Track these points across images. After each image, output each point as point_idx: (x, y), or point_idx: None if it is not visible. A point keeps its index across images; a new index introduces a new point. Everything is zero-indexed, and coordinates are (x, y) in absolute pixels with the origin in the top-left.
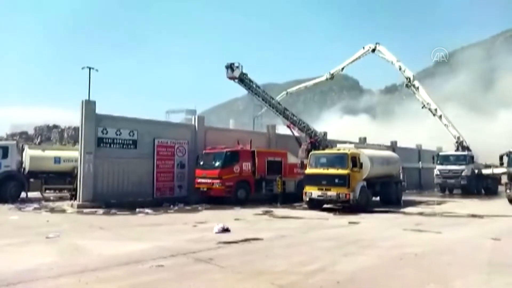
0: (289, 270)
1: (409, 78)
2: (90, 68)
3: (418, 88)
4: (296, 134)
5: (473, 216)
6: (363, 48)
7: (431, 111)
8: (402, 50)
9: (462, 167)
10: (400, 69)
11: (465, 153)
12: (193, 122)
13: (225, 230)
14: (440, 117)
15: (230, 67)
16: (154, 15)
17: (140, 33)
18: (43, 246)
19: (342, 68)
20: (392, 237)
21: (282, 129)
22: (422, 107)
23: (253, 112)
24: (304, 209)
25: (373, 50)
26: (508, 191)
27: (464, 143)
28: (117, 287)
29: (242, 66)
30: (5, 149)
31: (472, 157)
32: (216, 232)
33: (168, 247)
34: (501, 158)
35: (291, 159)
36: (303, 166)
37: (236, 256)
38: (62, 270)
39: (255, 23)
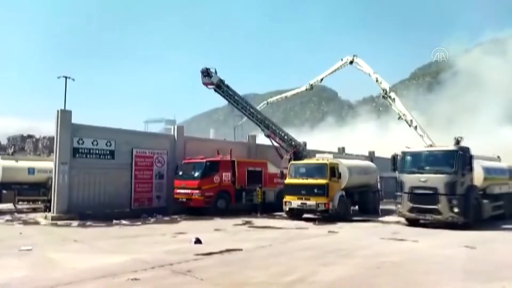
0: (268, 281)
1: (385, 90)
2: (66, 78)
3: (394, 99)
4: (276, 144)
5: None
6: (341, 60)
7: (406, 122)
8: (380, 62)
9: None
10: (377, 81)
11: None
12: (172, 132)
13: (199, 241)
14: (416, 128)
15: (206, 72)
16: (132, 25)
17: (118, 43)
18: (15, 259)
19: (321, 79)
20: (370, 246)
21: (263, 139)
22: (398, 118)
23: (233, 122)
24: (284, 218)
25: (351, 62)
26: (399, 206)
27: None
28: None
29: (216, 72)
30: None
31: None
32: (195, 243)
33: (146, 259)
34: (393, 160)
35: (271, 169)
36: (283, 176)
37: (215, 267)
38: (34, 284)
39: (234, 33)
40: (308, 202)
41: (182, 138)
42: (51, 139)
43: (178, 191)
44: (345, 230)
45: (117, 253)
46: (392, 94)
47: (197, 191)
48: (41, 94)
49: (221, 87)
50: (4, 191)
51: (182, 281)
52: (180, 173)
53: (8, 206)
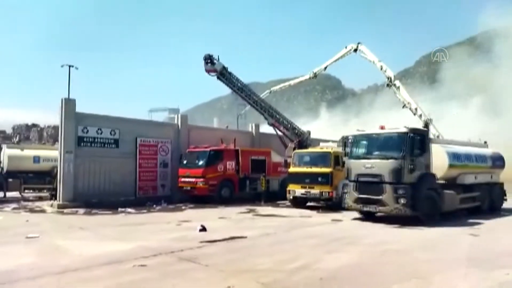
0: (272, 268)
1: (390, 78)
2: (70, 66)
3: (399, 87)
4: (280, 133)
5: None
6: (345, 47)
7: (411, 111)
8: (384, 49)
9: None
10: (381, 69)
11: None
12: (176, 121)
13: (204, 229)
14: (420, 116)
15: (209, 58)
16: (135, 14)
17: (120, 33)
18: (23, 246)
19: (325, 67)
20: (374, 234)
21: (266, 128)
22: (403, 107)
23: (237, 111)
24: (288, 207)
25: (355, 50)
26: (345, 196)
27: None
28: (99, 287)
29: (219, 58)
30: None
31: None
32: (200, 230)
33: (151, 247)
34: (344, 142)
35: (275, 158)
36: (287, 164)
37: (220, 254)
38: (42, 271)
39: (237, 21)
40: (312, 191)
41: (186, 127)
42: (56, 128)
43: (182, 179)
44: (348, 218)
45: (123, 241)
46: (397, 82)
47: (201, 180)
48: (46, 85)
49: (224, 75)
50: (10, 180)
51: (187, 268)
52: (185, 162)
53: (14, 194)
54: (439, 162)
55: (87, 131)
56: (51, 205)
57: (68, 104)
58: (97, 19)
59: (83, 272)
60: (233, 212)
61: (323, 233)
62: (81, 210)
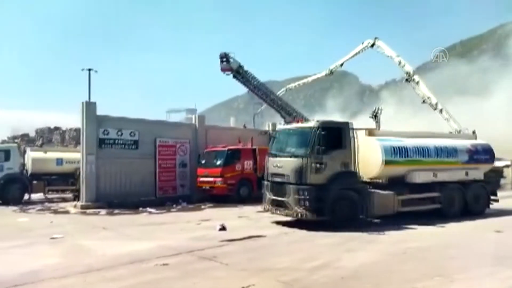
0: (292, 267)
1: (409, 73)
2: (89, 70)
3: (418, 82)
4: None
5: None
6: (362, 43)
7: (432, 106)
8: (402, 44)
9: None
10: (399, 64)
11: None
12: (193, 121)
13: (223, 228)
14: (441, 111)
15: (225, 57)
16: (152, 14)
17: (137, 33)
18: (48, 247)
19: (341, 64)
20: (395, 231)
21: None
22: (422, 102)
23: (253, 110)
24: None
25: (372, 45)
26: (268, 194)
27: None
28: (123, 286)
29: (235, 57)
30: (7, 152)
31: None
32: (220, 230)
33: (172, 246)
34: (269, 141)
35: None
36: None
37: (239, 253)
38: (67, 270)
39: (252, 19)
40: None
41: (203, 127)
42: (77, 130)
43: (201, 179)
44: None
45: (145, 240)
46: (416, 77)
47: (219, 179)
48: (66, 87)
49: (240, 73)
50: (35, 182)
51: (208, 267)
52: (203, 161)
53: (39, 196)
54: (374, 158)
55: (108, 133)
56: (75, 206)
57: (89, 107)
58: (115, 18)
59: (107, 271)
60: (251, 211)
61: (342, 232)
62: (103, 211)
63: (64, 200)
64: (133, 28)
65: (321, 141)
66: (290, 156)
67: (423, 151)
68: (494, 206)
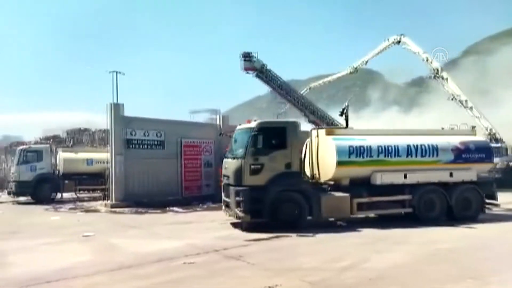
0: (319, 267)
1: (437, 70)
2: (116, 72)
3: (446, 79)
4: None
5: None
6: (387, 40)
7: (461, 103)
8: (428, 40)
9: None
10: (426, 60)
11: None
12: (217, 122)
13: (248, 228)
14: (471, 108)
15: (248, 56)
16: (173, 15)
17: (158, 34)
18: (79, 245)
19: (366, 62)
20: (423, 232)
21: (305, 126)
22: (450, 99)
23: (276, 110)
24: None
25: (398, 42)
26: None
27: (497, 135)
28: (152, 283)
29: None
30: (39, 153)
31: (506, 149)
32: (244, 229)
33: (199, 245)
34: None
35: None
36: None
37: (265, 253)
38: (97, 268)
39: (274, 18)
40: None
41: (227, 127)
42: (106, 131)
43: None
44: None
45: (172, 239)
46: (444, 74)
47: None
48: (94, 88)
49: (263, 72)
50: (66, 182)
51: (233, 266)
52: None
53: (70, 195)
54: (329, 159)
55: (135, 133)
56: (104, 205)
57: (116, 108)
58: (139, 20)
59: (136, 269)
60: None
61: (370, 232)
62: (132, 210)
63: (94, 199)
64: (156, 29)
65: (259, 142)
66: (233, 158)
67: (389, 151)
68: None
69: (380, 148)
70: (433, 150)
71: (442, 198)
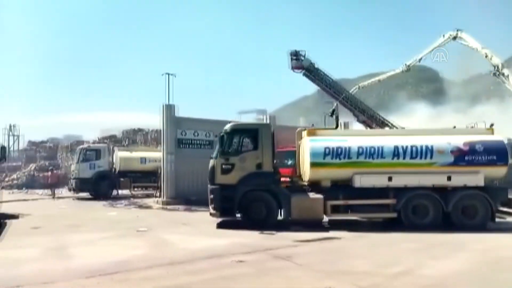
0: (371, 271)
1: (497, 66)
2: (168, 74)
3: (508, 76)
4: None
5: None
6: (443, 36)
7: None
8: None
9: None
10: (486, 56)
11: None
12: (265, 122)
13: (297, 228)
14: None
15: (296, 55)
16: (220, 15)
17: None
18: (135, 239)
19: (420, 59)
20: (484, 239)
21: (355, 126)
22: None
23: (323, 109)
24: None
25: (454, 38)
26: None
27: None
28: (203, 279)
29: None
30: (98, 152)
31: None
32: (293, 230)
33: (247, 243)
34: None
35: None
36: None
37: (314, 254)
38: (152, 262)
39: (321, 15)
40: None
41: (275, 127)
42: (158, 131)
43: None
44: None
45: (221, 237)
46: (506, 71)
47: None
48: (147, 90)
49: (311, 71)
50: (122, 179)
51: (282, 266)
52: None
53: (125, 192)
54: (306, 160)
55: (185, 133)
56: (157, 202)
57: (168, 109)
58: (188, 24)
59: (188, 264)
60: None
61: (425, 237)
62: (182, 207)
63: (147, 196)
64: (203, 30)
65: (232, 143)
66: (210, 158)
67: (372, 152)
68: None
69: (360, 149)
70: (427, 151)
71: (436, 204)
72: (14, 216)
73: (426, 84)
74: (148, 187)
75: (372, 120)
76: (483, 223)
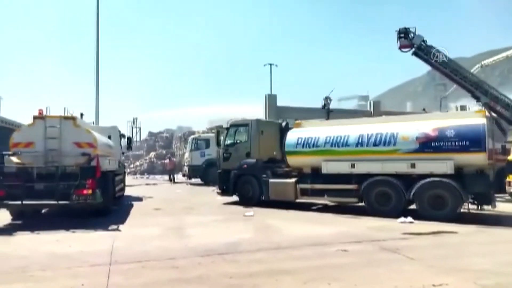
0: (493, 270)
1: None
2: (270, 65)
3: None
4: (494, 115)
5: None
6: None
7: None
8: None
9: None
10: None
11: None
12: (368, 108)
13: (406, 220)
14: None
15: (405, 32)
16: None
17: (308, 26)
18: (241, 223)
19: None
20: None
21: (475, 109)
22: None
23: (434, 92)
24: (508, 201)
25: None
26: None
27: None
28: (310, 266)
29: (416, 31)
30: (207, 141)
31: None
32: (401, 222)
33: (352, 233)
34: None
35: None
36: (505, 151)
37: (425, 248)
38: (258, 245)
39: None
40: None
41: (380, 113)
42: None
43: None
44: None
45: (325, 225)
46: None
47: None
48: (251, 81)
49: (422, 49)
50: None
51: (391, 258)
52: None
53: None
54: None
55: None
56: None
57: (271, 98)
58: (294, 15)
59: (293, 250)
60: None
61: None
62: None
63: None
64: (304, 26)
65: (230, 136)
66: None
67: (337, 140)
68: None
69: (328, 139)
70: (390, 138)
71: (398, 191)
72: (139, 199)
73: None
74: None
75: (498, 102)
76: (451, 214)
